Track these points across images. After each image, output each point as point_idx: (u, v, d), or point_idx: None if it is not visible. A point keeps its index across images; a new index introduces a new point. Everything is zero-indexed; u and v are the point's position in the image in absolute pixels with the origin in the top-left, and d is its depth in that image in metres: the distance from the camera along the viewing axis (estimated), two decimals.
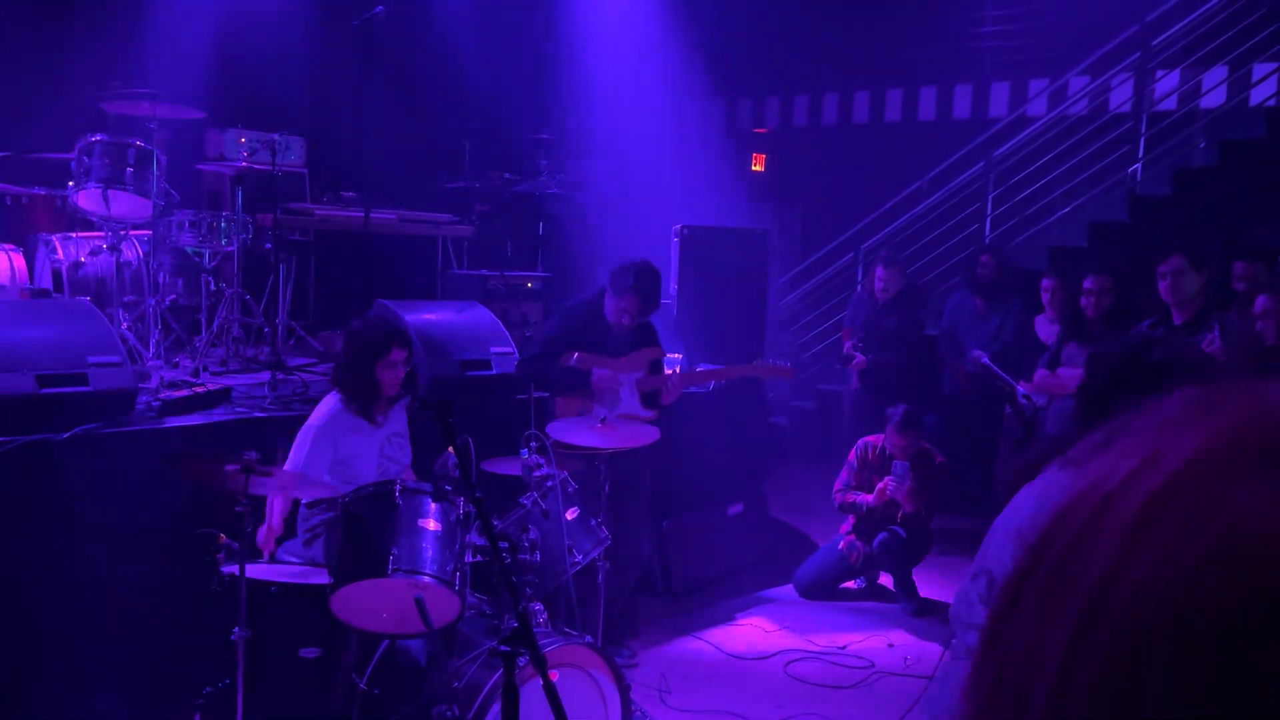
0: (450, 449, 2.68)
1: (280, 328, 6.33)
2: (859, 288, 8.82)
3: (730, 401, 6.87)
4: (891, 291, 7.10)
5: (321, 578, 3.53)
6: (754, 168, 12.11)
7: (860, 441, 6.29)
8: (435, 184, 8.27)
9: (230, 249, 6.34)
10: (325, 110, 7.55)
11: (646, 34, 10.00)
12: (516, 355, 5.62)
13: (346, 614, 3.39)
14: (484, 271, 7.04)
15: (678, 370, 6.06)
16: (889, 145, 10.52)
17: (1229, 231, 7.55)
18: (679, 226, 7.02)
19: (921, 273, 8.81)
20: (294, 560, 4.03)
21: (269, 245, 6.39)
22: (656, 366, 5.22)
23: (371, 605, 3.40)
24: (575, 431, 4.27)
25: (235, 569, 3.36)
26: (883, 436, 6.10)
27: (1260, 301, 4.52)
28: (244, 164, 6.40)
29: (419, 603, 3.09)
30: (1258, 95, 8.09)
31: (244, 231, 6.40)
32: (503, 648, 2.49)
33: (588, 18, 9.44)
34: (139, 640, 4.04)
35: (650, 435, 4.39)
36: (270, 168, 6.26)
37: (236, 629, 3.33)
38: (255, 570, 3.56)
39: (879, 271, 7.18)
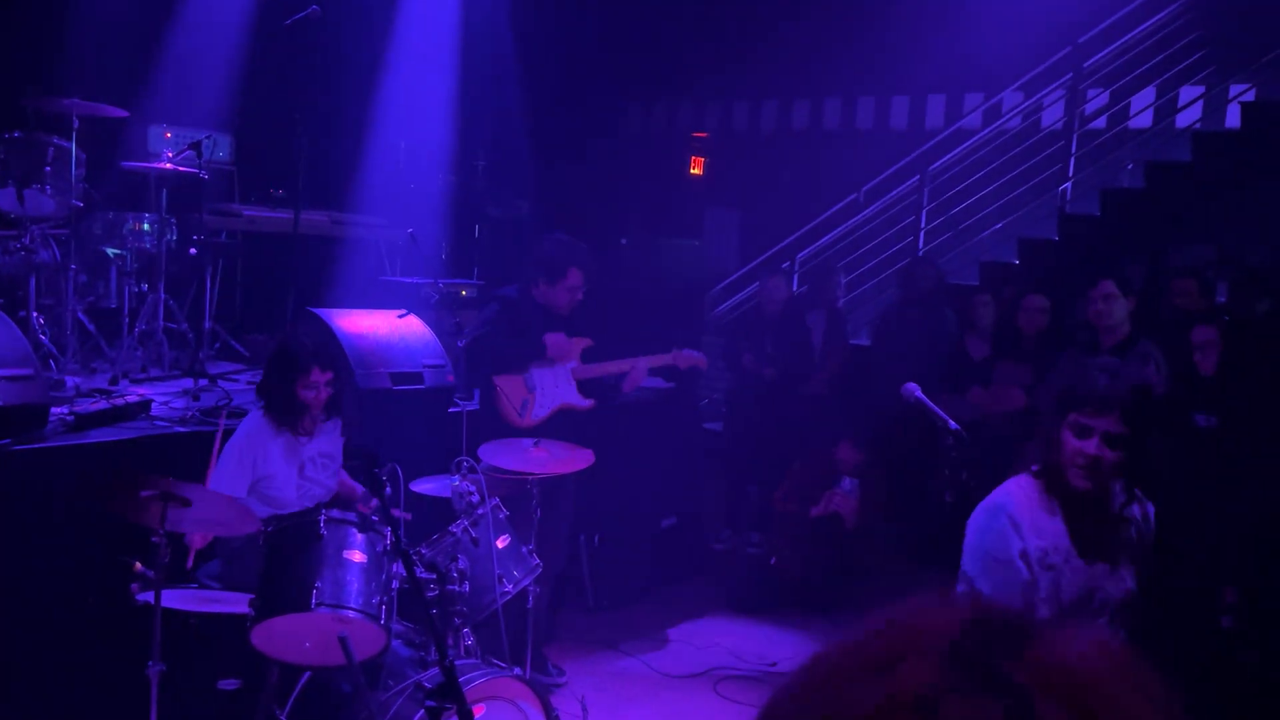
0: (375, 498, 2.59)
1: (205, 333, 6.16)
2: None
3: (662, 411, 6.86)
4: (779, 302, 7.12)
5: (241, 607, 3.43)
6: (693, 171, 12.11)
7: (807, 453, 6.31)
8: (369, 185, 8.11)
9: (153, 250, 6.15)
10: (256, 108, 7.36)
11: (585, 36, 9.93)
12: (449, 368, 5.53)
13: (268, 646, 3.29)
14: (417, 279, 6.92)
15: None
16: (827, 153, 10.59)
17: (1153, 253, 7.72)
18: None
19: (856, 284, 8.88)
20: (214, 584, 3.91)
21: (194, 248, 6.20)
22: (588, 356, 5.13)
23: (294, 638, 3.31)
24: (507, 455, 4.20)
25: (150, 598, 3.24)
26: (834, 451, 6.13)
27: (1199, 331, 4.59)
28: (169, 163, 6.20)
29: (343, 641, 3.00)
30: (1184, 119, 8.27)
31: (168, 232, 6.21)
32: (429, 702, 2.43)
33: (524, 17, 9.34)
34: (47, 672, 3.89)
35: (584, 460, 4.34)
36: (197, 167, 6.08)
37: (150, 662, 3.22)
38: (172, 599, 3.45)
39: (765, 283, 7.21)
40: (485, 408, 4.94)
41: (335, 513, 3.40)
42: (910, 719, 0.57)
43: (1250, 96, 7.94)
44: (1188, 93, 8.30)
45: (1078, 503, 2.56)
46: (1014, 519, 2.53)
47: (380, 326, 5.67)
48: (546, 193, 9.16)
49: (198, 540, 3.83)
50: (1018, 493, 2.58)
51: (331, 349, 4.19)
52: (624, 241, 9.29)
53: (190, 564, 3.81)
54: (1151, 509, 2.63)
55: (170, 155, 6.29)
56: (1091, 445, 2.46)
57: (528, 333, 4.86)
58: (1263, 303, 5.82)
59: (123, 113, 6.10)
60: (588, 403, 4.99)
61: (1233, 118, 7.99)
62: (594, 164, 10.44)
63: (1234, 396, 4.43)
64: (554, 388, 4.96)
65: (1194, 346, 4.47)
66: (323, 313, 5.52)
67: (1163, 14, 8.09)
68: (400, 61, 8.48)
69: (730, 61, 10.78)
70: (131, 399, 4.85)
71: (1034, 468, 2.61)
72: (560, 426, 4.90)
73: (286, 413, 3.93)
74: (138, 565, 3.40)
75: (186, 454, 4.35)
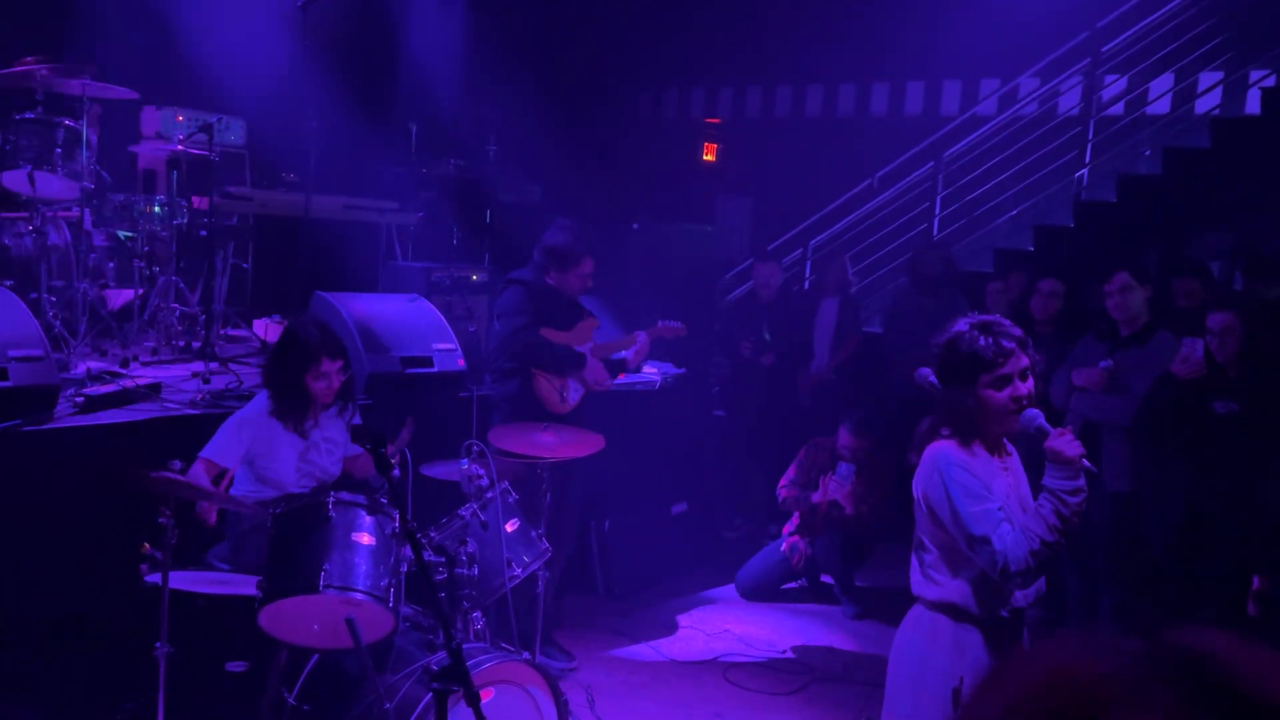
0: (385, 481, 2.58)
1: (216, 316, 6.15)
2: (805, 284, 8.83)
3: (672, 398, 6.84)
4: (774, 289, 7.10)
5: (250, 589, 3.42)
6: (705, 157, 12.05)
7: (812, 441, 6.28)
8: (380, 169, 8.08)
9: (164, 233, 6.14)
10: (268, 91, 7.33)
11: (598, 22, 9.88)
12: (459, 352, 5.51)
13: (276, 629, 3.28)
14: (428, 263, 6.90)
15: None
16: (841, 139, 10.52)
17: (1170, 239, 7.64)
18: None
19: (868, 271, 8.82)
20: (223, 566, 3.91)
21: (205, 230, 6.19)
22: (589, 331, 5.19)
23: (302, 620, 3.30)
24: (518, 439, 4.18)
25: (159, 579, 3.24)
26: (835, 437, 6.10)
27: (1216, 318, 4.53)
28: (180, 146, 6.19)
29: (350, 623, 2.99)
30: (1203, 105, 8.18)
31: (179, 215, 6.20)
32: (435, 685, 2.41)
33: (537, 3, 9.29)
34: (57, 651, 3.89)
35: (595, 444, 4.32)
36: (208, 150, 6.06)
37: (158, 643, 3.21)
38: (181, 581, 3.44)
39: (759, 269, 7.18)
40: (518, 394, 4.89)
41: (344, 495, 3.38)
42: None
43: (1270, 82, 7.85)
44: (1207, 78, 8.21)
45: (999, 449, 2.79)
46: (966, 466, 2.69)
47: (391, 311, 5.65)
48: (558, 178, 9.12)
49: (210, 516, 3.83)
50: (951, 451, 2.71)
51: (338, 331, 4.15)
52: (636, 227, 9.25)
53: (213, 522, 3.79)
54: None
55: (181, 138, 6.27)
56: (1022, 388, 2.65)
57: (549, 319, 4.87)
58: (1275, 289, 5.74)
59: (134, 95, 6.08)
60: (611, 382, 5.04)
61: (1253, 104, 7.89)
62: (606, 150, 10.40)
63: (1253, 383, 4.37)
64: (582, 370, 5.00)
65: (1210, 333, 4.40)
66: (333, 296, 5.51)
67: None
68: (412, 46, 8.45)
69: (743, 48, 10.72)
70: (142, 381, 4.85)
71: (944, 432, 2.75)
72: (573, 411, 4.91)
73: (292, 404, 3.87)
74: (146, 546, 3.39)
75: (196, 435, 4.34)
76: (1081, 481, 2.64)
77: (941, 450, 2.72)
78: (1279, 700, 0.57)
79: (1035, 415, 2.67)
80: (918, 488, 2.76)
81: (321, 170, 6.83)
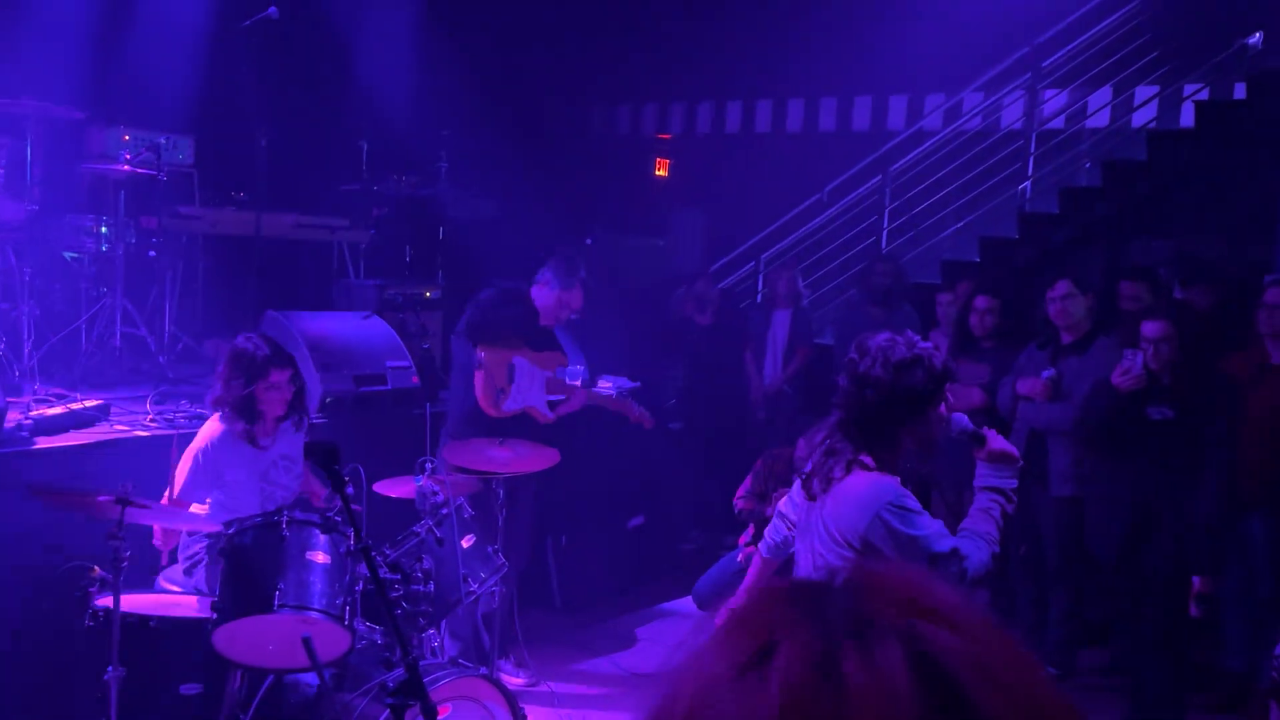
0: (339, 496, 2.59)
1: (165, 337, 6.09)
2: (758, 297, 8.93)
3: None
4: (710, 310, 7.17)
5: (203, 610, 3.40)
6: (658, 173, 12.13)
7: (768, 451, 6.35)
8: (331, 186, 8.05)
9: (111, 254, 6.07)
10: (216, 109, 7.28)
11: (549, 39, 9.93)
12: (413, 370, 5.51)
13: (230, 650, 3.26)
14: (381, 281, 6.88)
15: (580, 384, 6.04)
16: (791, 154, 10.64)
17: (1111, 249, 7.83)
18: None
19: (820, 283, 8.94)
20: (175, 589, 3.88)
21: (153, 251, 6.13)
22: (557, 371, 5.19)
23: (257, 640, 3.28)
24: (473, 455, 4.19)
25: (110, 602, 3.21)
26: (793, 448, 6.16)
27: (1150, 326, 4.64)
28: (127, 165, 6.13)
29: (306, 642, 2.98)
30: (1140, 118, 8.40)
31: (127, 235, 6.14)
32: (391, 701, 2.42)
33: (487, 19, 9.32)
34: (5, 677, 3.83)
35: (550, 459, 4.34)
36: (155, 170, 6.01)
37: (110, 667, 3.18)
38: (132, 603, 3.41)
39: (691, 290, 7.23)
40: (458, 388, 4.89)
41: (298, 514, 3.38)
42: (810, 676, 0.56)
43: (1204, 96, 8.07)
44: (1143, 92, 8.43)
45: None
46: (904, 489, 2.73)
47: (344, 328, 5.64)
48: (511, 195, 9.14)
49: (164, 543, 3.80)
50: (888, 481, 2.73)
51: (291, 351, 4.15)
52: (589, 242, 9.30)
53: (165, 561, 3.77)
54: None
55: (128, 157, 6.21)
56: (974, 395, 2.74)
57: (519, 325, 4.86)
58: (1214, 297, 5.91)
59: (80, 114, 6.02)
60: (550, 416, 5.00)
61: (1187, 117, 8.11)
62: (559, 166, 10.43)
63: (1187, 389, 4.49)
64: (529, 387, 4.98)
65: (1145, 340, 4.53)
66: (285, 315, 5.49)
67: (1117, 15, 8.21)
68: (361, 62, 8.44)
69: (693, 64, 10.81)
70: (90, 404, 4.80)
71: (869, 462, 2.75)
72: (526, 425, 4.91)
73: (245, 420, 3.88)
74: (96, 569, 3.36)
75: (147, 459, 4.30)
76: (1016, 480, 2.71)
77: (879, 487, 2.69)
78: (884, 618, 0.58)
79: (961, 419, 2.75)
80: (848, 525, 2.69)
81: (272, 188, 6.80)
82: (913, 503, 2.67)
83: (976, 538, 2.68)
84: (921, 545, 2.62)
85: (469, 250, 7.96)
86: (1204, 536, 4.46)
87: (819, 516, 2.78)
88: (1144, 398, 4.47)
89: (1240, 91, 7.91)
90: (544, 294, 4.92)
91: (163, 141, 6.04)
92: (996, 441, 2.76)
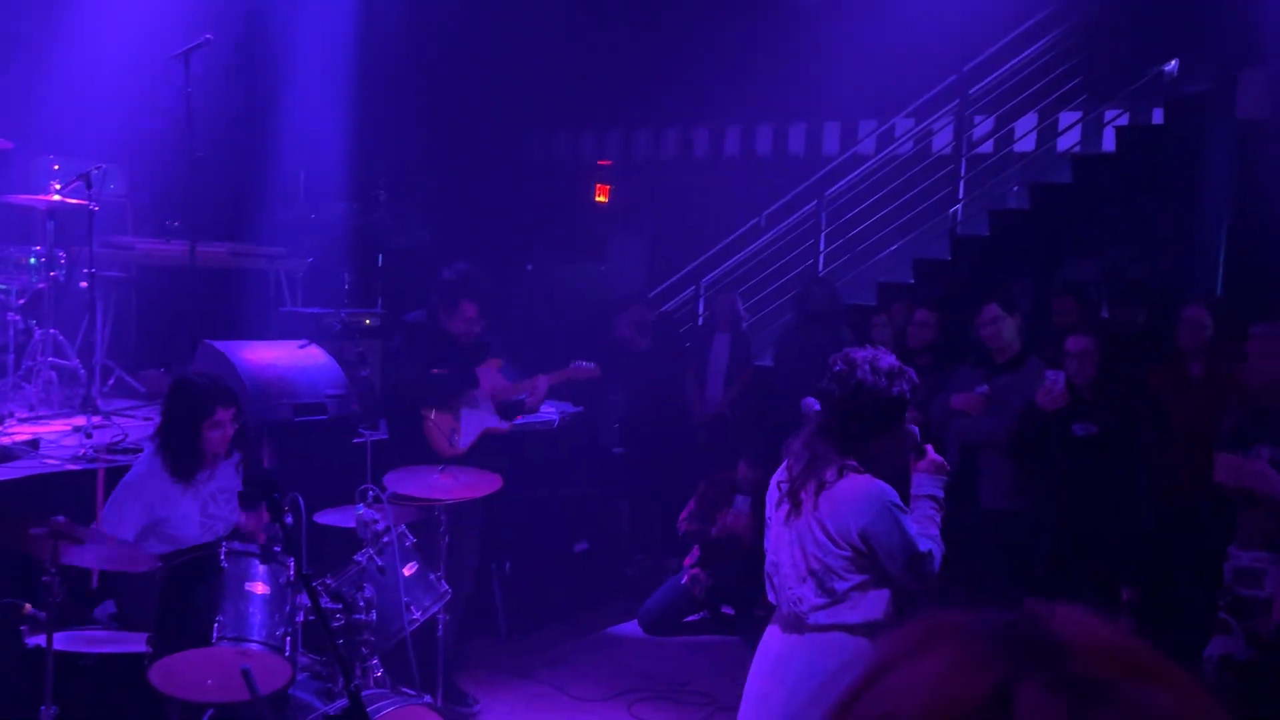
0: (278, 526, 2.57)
1: (97, 369, 5.98)
2: (698, 321, 9.01)
3: (570, 436, 6.88)
4: (649, 334, 7.24)
5: (139, 646, 3.34)
6: (598, 198, 12.19)
7: (711, 474, 6.40)
8: (269, 215, 7.99)
9: (41, 285, 5.96)
10: (149, 138, 7.19)
11: (486, 66, 9.96)
12: (353, 398, 5.47)
13: (167, 685, 3.21)
14: (320, 309, 6.83)
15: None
16: (728, 179, 10.77)
17: (1041, 270, 8.04)
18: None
19: (758, 306, 9.04)
20: (110, 624, 3.80)
21: (85, 282, 6.02)
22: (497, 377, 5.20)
23: (195, 675, 3.23)
24: (414, 483, 4.18)
25: (43, 641, 3.14)
26: (734, 470, 6.22)
27: (1074, 341, 4.77)
28: (58, 195, 6.03)
29: (245, 674, 2.95)
30: (1064, 143, 8.66)
31: (56, 267, 6.03)
32: None
33: (424, 47, 9.33)
34: None
35: (492, 484, 4.34)
36: (87, 199, 5.92)
37: (43, 706, 3.11)
38: (65, 641, 3.34)
39: (636, 313, 7.29)
40: (409, 439, 4.88)
41: (236, 544, 3.34)
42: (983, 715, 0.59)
43: (1124, 121, 8.36)
44: (1066, 117, 8.69)
45: None
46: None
47: (281, 357, 5.58)
48: (450, 221, 9.13)
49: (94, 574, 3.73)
50: (883, 485, 2.92)
51: (228, 380, 4.10)
52: (529, 267, 9.32)
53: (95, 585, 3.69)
54: None
55: (59, 187, 6.11)
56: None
57: (440, 361, 4.86)
58: (1141, 313, 6.10)
59: (7, 144, 5.92)
60: (506, 425, 5.04)
61: (1108, 141, 8.39)
62: (497, 192, 10.45)
63: (1109, 405, 4.63)
64: (476, 413, 4.98)
65: (1069, 356, 4.66)
66: (222, 345, 5.42)
67: (1041, 43, 8.47)
68: (298, 90, 8.39)
69: (631, 91, 10.91)
70: (19, 438, 4.70)
71: (854, 465, 2.94)
72: (472, 452, 4.91)
73: (185, 459, 3.81)
74: (27, 607, 3.29)
75: (79, 492, 4.23)
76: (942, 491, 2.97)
77: (877, 485, 2.87)
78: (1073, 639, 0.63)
79: (811, 402, 3.00)
80: (849, 524, 2.84)
81: (208, 217, 6.73)
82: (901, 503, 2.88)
83: (934, 542, 2.86)
84: (910, 542, 2.81)
85: (408, 277, 7.94)
86: (1131, 548, 4.59)
87: (810, 521, 2.90)
88: (1070, 415, 4.60)
89: (1158, 116, 8.21)
90: (447, 318, 4.94)
91: (94, 170, 5.94)
92: (932, 454, 3.00)
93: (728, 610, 6.36)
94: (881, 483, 2.88)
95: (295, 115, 8.36)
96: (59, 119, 6.95)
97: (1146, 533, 4.68)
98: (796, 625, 2.93)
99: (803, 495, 2.93)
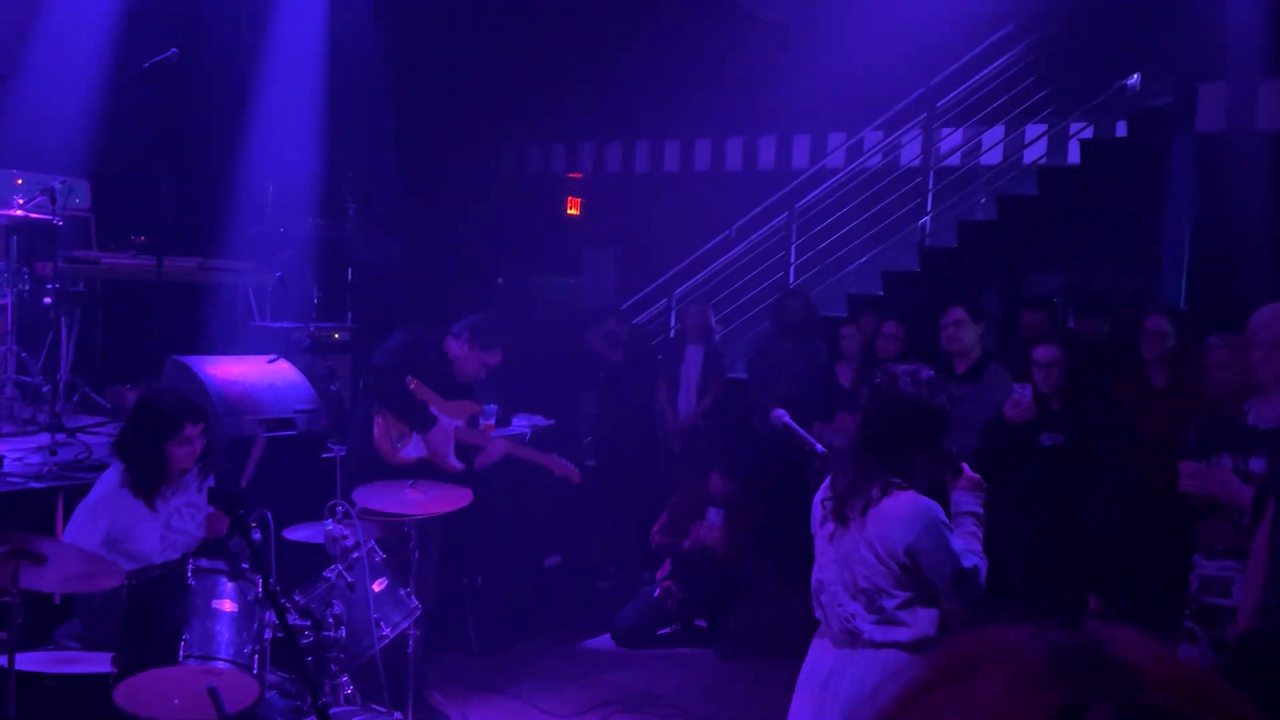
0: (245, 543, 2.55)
1: (61, 386, 5.91)
2: (671, 333, 9.03)
3: (543, 449, 6.84)
4: (621, 347, 7.24)
5: (103, 666, 3.29)
6: (570, 211, 12.20)
7: (684, 486, 6.40)
8: (236, 229, 7.93)
9: (4, 301, 5.89)
10: (114, 152, 7.14)
11: (456, 80, 9.96)
12: (322, 413, 5.44)
13: (133, 705, 3.17)
14: (289, 323, 6.79)
15: (494, 423, 6.06)
16: (699, 192, 10.82)
17: (1008, 281, 8.13)
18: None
19: (730, 318, 9.07)
20: (74, 644, 3.75)
21: (49, 298, 5.96)
22: (473, 420, 5.22)
23: (161, 694, 3.19)
24: (384, 498, 4.15)
25: (4, 662, 3.09)
26: (707, 482, 6.22)
27: (1041, 351, 4.81)
28: (20, 210, 5.96)
29: (212, 692, 2.92)
30: (1031, 155, 8.77)
31: (19, 283, 5.96)
32: None
33: (394, 61, 9.32)
34: None
35: (463, 499, 4.32)
36: (51, 214, 5.86)
37: None
38: (27, 662, 3.29)
39: (608, 326, 7.28)
40: (360, 430, 4.88)
41: (204, 562, 3.31)
42: None
43: (1088, 134, 8.47)
44: (1032, 130, 8.80)
45: None
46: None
47: (250, 373, 5.55)
48: (419, 235, 9.10)
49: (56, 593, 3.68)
50: (930, 500, 2.91)
51: (196, 396, 4.07)
52: (500, 281, 9.30)
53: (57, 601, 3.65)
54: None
55: (22, 202, 6.05)
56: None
57: (430, 379, 4.87)
58: (1106, 324, 6.17)
59: None
60: (458, 466, 5.00)
61: (1073, 154, 8.49)
62: (468, 206, 10.44)
63: (1075, 414, 4.67)
64: (435, 436, 4.95)
65: (1036, 365, 4.70)
66: (190, 360, 5.38)
67: (1007, 57, 8.58)
68: (266, 103, 8.36)
69: (601, 105, 10.95)
70: None
71: (899, 482, 2.92)
72: (436, 467, 4.89)
73: (149, 475, 3.76)
74: None
75: (43, 510, 4.17)
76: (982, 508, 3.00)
77: (924, 502, 2.86)
78: (1145, 668, 0.63)
79: (781, 414, 3.04)
80: (897, 541, 2.83)
81: (174, 232, 6.67)
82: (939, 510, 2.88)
83: (978, 557, 2.88)
84: (955, 558, 2.81)
85: (378, 291, 7.91)
86: (1097, 557, 4.63)
87: (857, 540, 2.90)
88: (1037, 425, 4.64)
89: (1122, 129, 8.33)
90: (459, 348, 4.95)
91: (58, 185, 5.88)
92: (969, 471, 3.01)
93: (701, 623, 6.35)
94: (928, 499, 2.87)
95: (263, 129, 8.32)
96: (22, 132, 6.88)
97: (1113, 541, 4.72)
98: (850, 641, 2.90)
99: (849, 513, 2.92)
